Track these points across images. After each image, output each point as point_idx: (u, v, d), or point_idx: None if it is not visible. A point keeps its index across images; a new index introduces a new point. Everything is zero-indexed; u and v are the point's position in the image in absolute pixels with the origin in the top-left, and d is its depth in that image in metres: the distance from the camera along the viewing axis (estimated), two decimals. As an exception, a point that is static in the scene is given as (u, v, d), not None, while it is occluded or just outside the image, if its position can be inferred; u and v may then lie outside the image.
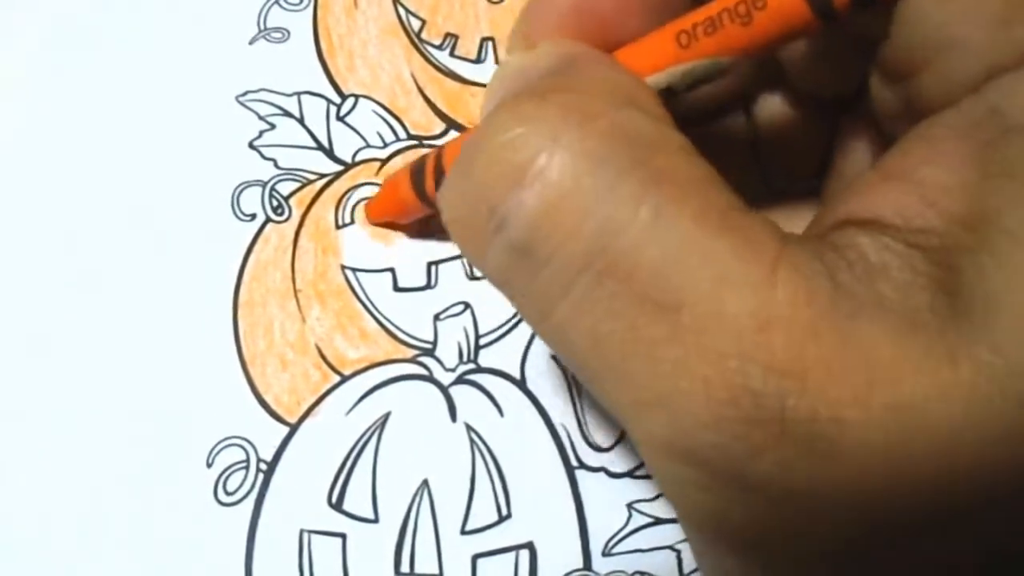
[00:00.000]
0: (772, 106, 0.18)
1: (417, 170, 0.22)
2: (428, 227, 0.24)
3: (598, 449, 0.22)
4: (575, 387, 0.23)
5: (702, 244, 0.12)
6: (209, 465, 0.22)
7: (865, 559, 0.12)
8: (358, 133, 0.25)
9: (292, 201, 0.25)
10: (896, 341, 0.11)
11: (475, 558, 0.21)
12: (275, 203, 0.25)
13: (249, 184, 0.25)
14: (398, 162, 0.25)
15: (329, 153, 0.25)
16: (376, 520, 0.21)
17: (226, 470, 0.22)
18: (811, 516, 0.12)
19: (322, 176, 0.25)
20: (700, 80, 0.15)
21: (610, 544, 0.21)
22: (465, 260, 0.24)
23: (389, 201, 0.23)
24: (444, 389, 0.23)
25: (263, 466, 0.22)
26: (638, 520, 0.21)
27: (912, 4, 0.13)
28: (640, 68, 0.15)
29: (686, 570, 0.21)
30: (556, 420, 0.22)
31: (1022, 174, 0.12)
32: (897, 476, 0.11)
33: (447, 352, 0.23)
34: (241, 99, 0.26)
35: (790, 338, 0.11)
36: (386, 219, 0.24)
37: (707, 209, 0.12)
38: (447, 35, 0.27)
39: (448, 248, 0.24)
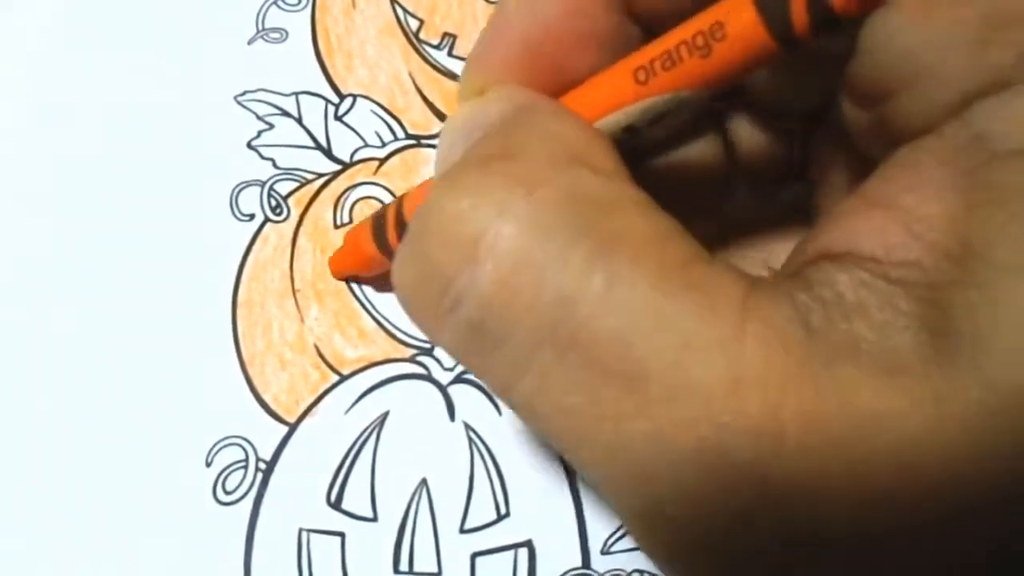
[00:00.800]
0: (742, 123, 0.18)
1: (378, 222, 0.21)
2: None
3: (597, 448, 0.22)
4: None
5: (661, 308, 0.11)
6: (208, 464, 0.22)
7: None
8: (356, 133, 0.25)
9: (291, 201, 0.25)
10: (877, 386, 0.11)
11: (474, 557, 0.21)
12: (274, 203, 0.25)
13: (248, 184, 0.25)
14: (396, 162, 0.25)
15: (327, 153, 0.25)
16: (375, 519, 0.21)
17: (225, 469, 0.22)
18: (805, 573, 0.11)
19: (320, 176, 0.25)
20: (662, 115, 0.14)
21: (609, 542, 0.21)
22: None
23: (351, 255, 0.23)
24: (443, 388, 0.23)
25: (262, 465, 0.22)
26: (637, 518, 0.21)
27: (880, 26, 0.13)
28: (598, 107, 0.15)
29: (685, 568, 0.21)
30: (554, 419, 0.22)
31: (1008, 203, 0.11)
32: (892, 525, 0.11)
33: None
34: (239, 99, 0.26)
35: (764, 396, 0.11)
36: (350, 273, 0.24)
37: (664, 268, 0.12)
38: (445, 35, 0.27)
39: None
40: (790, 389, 0.11)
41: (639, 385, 0.11)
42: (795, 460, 0.11)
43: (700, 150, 0.18)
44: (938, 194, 0.12)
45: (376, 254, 0.22)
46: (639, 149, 0.14)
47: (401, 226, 0.20)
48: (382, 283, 0.24)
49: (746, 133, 0.18)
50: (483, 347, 0.13)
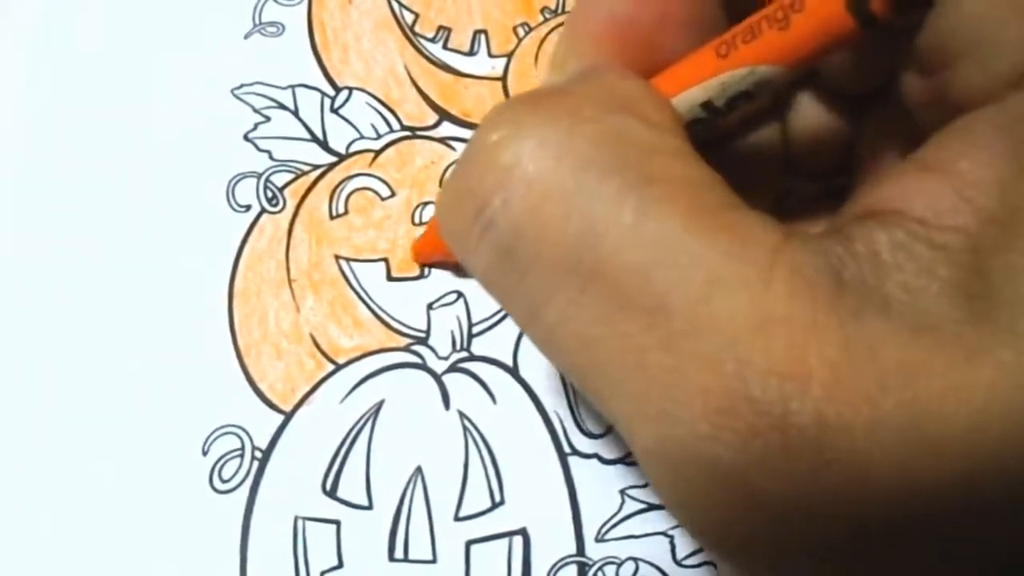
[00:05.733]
0: (802, 106, 0.18)
1: None
2: None
3: (591, 436, 0.22)
4: (568, 374, 0.23)
5: (689, 244, 0.11)
6: (204, 453, 0.22)
7: (878, 561, 0.12)
8: (352, 125, 0.26)
9: (286, 192, 0.25)
10: (906, 341, 0.11)
11: (468, 544, 0.21)
12: (270, 194, 0.25)
13: (244, 175, 0.25)
14: (391, 153, 0.25)
15: (323, 145, 0.25)
16: (370, 507, 0.21)
17: (221, 458, 0.22)
18: (820, 523, 0.11)
19: (316, 167, 0.25)
20: (741, 94, 0.15)
21: (603, 530, 0.21)
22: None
23: (436, 240, 0.23)
24: (437, 377, 0.23)
25: (258, 454, 0.22)
26: (631, 506, 0.21)
27: None
28: (681, 82, 0.15)
29: (679, 556, 0.21)
30: (549, 407, 0.22)
31: None
32: (913, 478, 0.11)
33: (440, 340, 0.23)
34: (236, 92, 0.26)
35: (790, 339, 0.11)
36: (434, 259, 0.23)
37: (697, 208, 0.12)
38: (440, 28, 0.27)
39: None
40: (816, 334, 0.11)
41: (662, 319, 0.11)
42: (819, 409, 0.11)
43: (759, 140, 0.18)
44: (992, 161, 0.12)
45: None
46: (713, 138, 0.14)
47: None
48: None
49: (805, 116, 0.18)
50: (510, 273, 0.13)
